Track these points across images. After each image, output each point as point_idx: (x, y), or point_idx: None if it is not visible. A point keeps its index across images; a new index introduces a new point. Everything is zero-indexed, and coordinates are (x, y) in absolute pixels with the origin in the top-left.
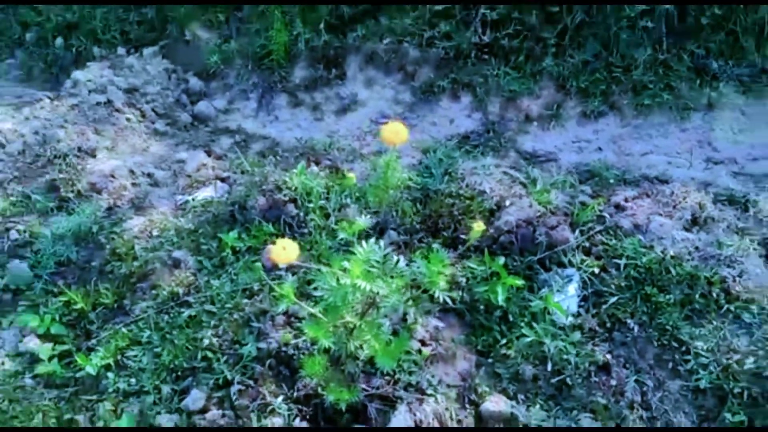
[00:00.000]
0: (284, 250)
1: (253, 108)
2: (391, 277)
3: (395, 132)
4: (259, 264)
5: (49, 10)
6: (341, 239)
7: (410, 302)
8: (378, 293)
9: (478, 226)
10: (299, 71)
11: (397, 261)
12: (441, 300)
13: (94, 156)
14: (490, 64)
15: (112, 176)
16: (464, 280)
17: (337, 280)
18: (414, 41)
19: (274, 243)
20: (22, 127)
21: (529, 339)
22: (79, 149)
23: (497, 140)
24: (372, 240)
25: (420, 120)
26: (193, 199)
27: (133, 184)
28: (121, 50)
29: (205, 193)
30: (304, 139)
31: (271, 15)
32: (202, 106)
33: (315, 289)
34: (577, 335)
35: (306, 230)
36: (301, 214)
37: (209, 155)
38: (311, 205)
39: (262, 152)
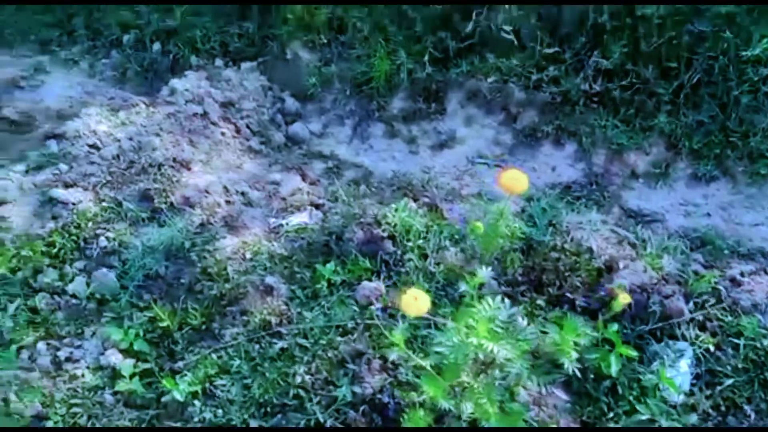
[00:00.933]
0: (415, 301)
1: (347, 134)
2: (517, 340)
3: (515, 179)
4: (353, 300)
5: (151, 13)
6: (440, 283)
7: (532, 368)
8: (500, 355)
9: (624, 297)
10: (398, 102)
11: (526, 325)
12: (570, 371)
13: (188, 168)
14: (598, 113)
15: (207, 191)
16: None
17: (460, 336)
18: (520, 82)
19: (369, 279)
20: (118, 131)
21: (642, 417)
22: (174, 160)
23: (600, 194)
24: (498, 298)
25: (520, 164)
26: (287, 224)
27: (227, 202)
28: (218, 62)
29: (299, 219)
30: (401, 172)
31: (375, 42)
32: (297, 128)
33: (429, 341)
34: (692, 417)
35: (403, 270)
36: (399, 252)
37: (304, 180)
38: (410, 243)
39: (355, 181)
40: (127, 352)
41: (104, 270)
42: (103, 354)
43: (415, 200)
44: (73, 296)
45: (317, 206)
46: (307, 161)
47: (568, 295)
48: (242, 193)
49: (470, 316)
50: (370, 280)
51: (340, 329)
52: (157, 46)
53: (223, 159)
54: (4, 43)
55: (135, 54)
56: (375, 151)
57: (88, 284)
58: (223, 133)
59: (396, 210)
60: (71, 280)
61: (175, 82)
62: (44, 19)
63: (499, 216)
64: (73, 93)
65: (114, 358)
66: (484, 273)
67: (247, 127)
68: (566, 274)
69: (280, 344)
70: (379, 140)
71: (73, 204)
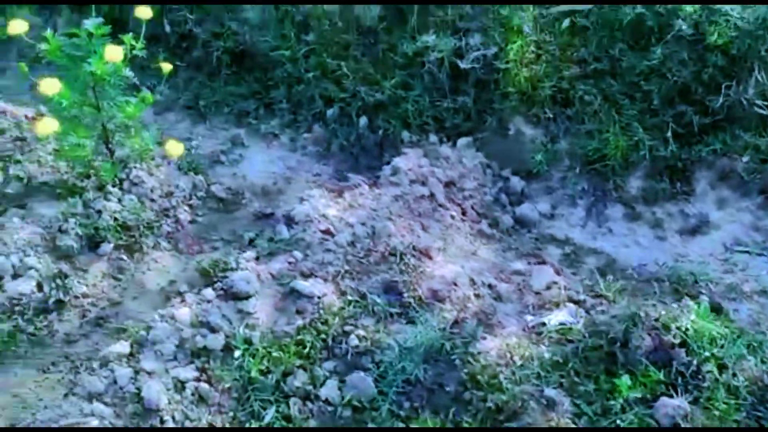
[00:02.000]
0: None
1: (581, 216)
2: None
3: None
4: (652, 419)
5: (357, 87)
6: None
7: None
8: None
9: None
10: (636, 181)
11: None
12: None
13: (429, 257)
14: None
15: (455, 284)
16: None
17: None
18: None
19: (665, 395)
20: (348, 215)
21: None
22: (414, 248)
23: None
24: None
25: None
26: (547, 323)
27: (476, 296)
28: (433, 138)
29: (558, 317)
30: (659, 261)
31: (606, 116)
32: (526, 209)
33: None
34: None
35: (703, 384)
36: (694, 361)
37: (558, 273)
38: (706, 353)
39: (600, 269)
40: None
41: (360, 374)
42: None
43: (692, 297)
44: (327, 402)
45: (576, 302)
46: (540, 246)
47: None
48: (489, 286)
49: None
50: (666, 395)
51: None
52: (364, 120)
53: (457, 245)
54: (199, 116)
55: (340, 128)
56: (615, 236)
57: (340, 389)
58: (452, 216)
59: (682, 311)
60: (322, 384)
61: (399, 162)
62: (239, 90)
63: None
64: (275, 168)
65: None
66: None
67: (472, 208)
68: None
69: None
70: (618, 223)
71: (318, 297)
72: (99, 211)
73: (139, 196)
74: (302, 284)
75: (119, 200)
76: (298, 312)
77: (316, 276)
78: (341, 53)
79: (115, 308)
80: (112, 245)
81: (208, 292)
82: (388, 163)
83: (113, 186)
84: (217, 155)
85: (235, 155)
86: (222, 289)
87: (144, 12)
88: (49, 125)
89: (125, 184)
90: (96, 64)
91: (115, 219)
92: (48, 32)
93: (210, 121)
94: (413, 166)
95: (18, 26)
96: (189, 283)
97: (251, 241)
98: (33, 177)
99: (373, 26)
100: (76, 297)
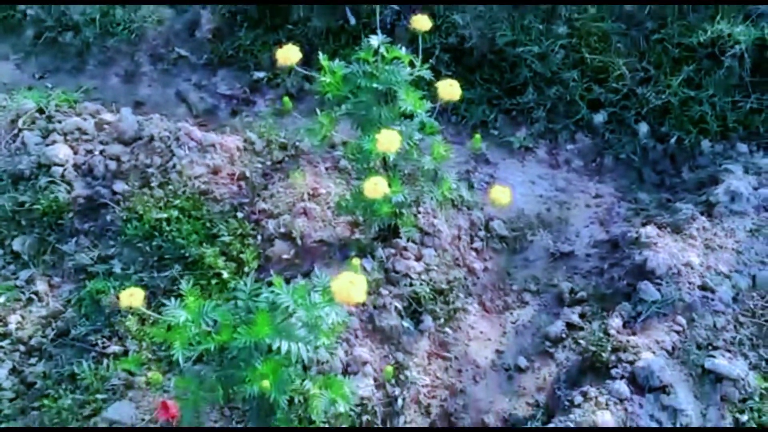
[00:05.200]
0: None
1: None
2: None
3: None
4: None
5: (630, 86)
6: None
7: None
8: None
9: None
10: None
11: None
12: None
13: None
14: None
15: None
16: None
17: None
18: None
19: None
20: (713, 261)
21: None
22: None
23: None
24: None
25: None
26: None
27: None
28: (741, 147)
29: None
30: None
31: None
32: None
33: None
34: None
35: None
36: None
37: None
38: None
39: None
40: None
41: None
42: None
43: None
44: None
45: None
46: None
47: None
48: None
49: None
50: None
51: None
52: (644, 126)
53: None
54: None
55: (612, 137)
56: None
57: None
58: None
59: None
60: None
61: (734, 183)
62: (468, 95)
63: None
64: (539, 190)
65: None
66: None
67: None
68: None
69: None
70: None
71: (742, 379)
72: (405, 274)
73: (435, 248)
74: (719, 363)
75: (418, 257)
76: (723, 399)
77: (715, 347)
78: (600, 46)
79: (459, 398)
80: (430, 317)
81: (615, 386)
82: (703, 183)
83: (407, 240)
84: (465, 176)
85: (484, 175)
86: (622, 376)
87: (424, 22)
88: (380, 187)
89: (415, 235)
90: (408, 100)
91: (426, 282)
92: (322, 58)
93: (442, 134)
94: (748, 188)
95: (290, 55)
96: (522, 354)
97: (572, 293)
98: (306, 235)
99: (636, 12)
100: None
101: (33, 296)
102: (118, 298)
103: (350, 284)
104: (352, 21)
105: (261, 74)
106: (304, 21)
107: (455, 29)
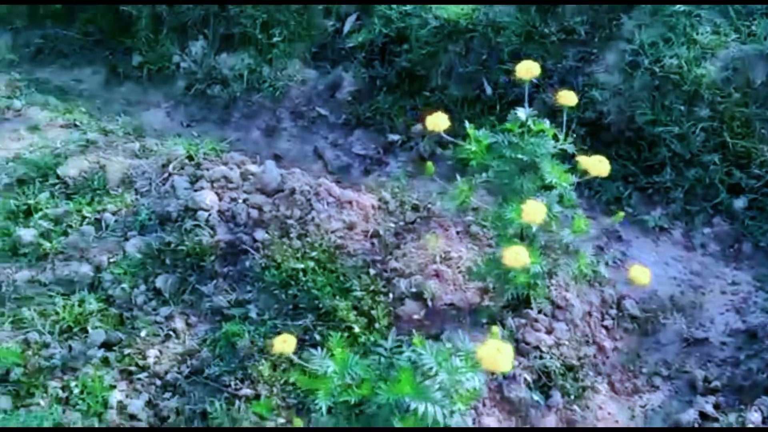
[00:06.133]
0: None
1: None
2: None
3: None
4: None
5: None
6: None
7: None
8: None
9: None
10: None
11: None
12: None
13: None
14: None
15: None
16: None
17: None
18: None
19: None
20: None
21: None
22: None
23: None
24: None
25: None
26: None
27: None
28: None
29: None
30: None
31: None
32: None
33: None
34: None
35: None
36: None
37: None
38: None
39: None
40: None
41: None
42: None
43: None
44: None
45: None
46: None
47: None
48: None
49: None
50: None
51: None
52: None
53: None
54: None
55: (752, 223)
56: None
57: None
58: None
59: None
60: None
61: None
62: None
63: None
64: (673, 272)
65: None
66: None
67: None
68: None
69: None
70: None
71: None
72: (536, 347)
73: (567, 322)
74: None
75: (549, 330)
76: None
77: None
78: (743, 131)
79: None
80: (559, 392)
81: None
82: None
83: (538, 311)
84: (598, 252)
85: (617, 252)
86: None
87: (570, 98)
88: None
89: (546, 307)
90: (553, 173)
91: (556, 356)
92: (468, 127)
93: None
94: None
95: (439, 122)
96: None
97: (706, 381)
98: (437, 297)
99: None
100: None
101: (171, 333)
102: (271, 344)
103: (497, 352)
104: (489, 91)
105: (395, 137)
106: (441, 89)
107: (593, 104)
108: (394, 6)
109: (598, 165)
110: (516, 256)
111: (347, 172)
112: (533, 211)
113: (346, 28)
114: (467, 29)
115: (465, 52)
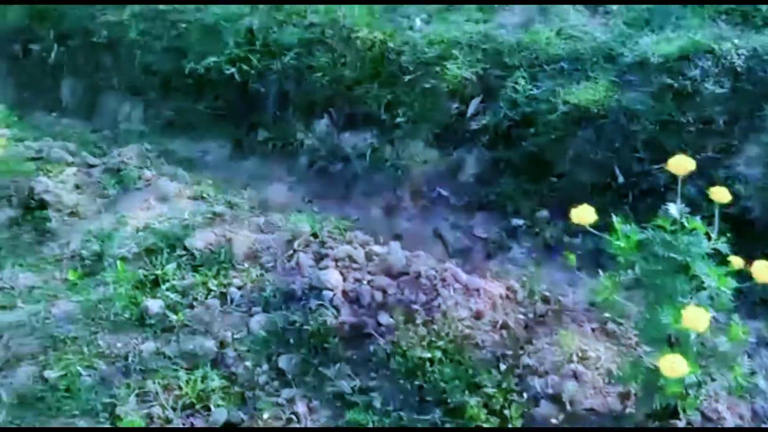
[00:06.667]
0: None
1: None
2: None
3: None
4: None
5: None
6: None
7: None
8: None
9: None
10: None
11: None
12: None
13: None
14: None
15: None
16: None
17: None
18: None
19: None
20: None
21: None
22: None
23: None
24: None
25: None
26: None
27: None
28: None
29: None
30: None
31: None
32: None
33: None
34: None
35: None
36: None
37: None
38: None
39: None
40: None
41: None
42: None
43: None
44: None
45: None
46: None
47: None
48: None
49: None
50: None
51: None
52: None
53: None
54: None
55: None
56: None
57: None
58: None
59: None
60: None
61: None
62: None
63: None
64: None
65: None
66: None
67: None
68: None
69: None
70: None
71: None
72: None
73: None
74: None
75: None
76: None
77: None
78: None
79: None
80: None
81: None
82: None
83: (687, 423)
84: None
85: (765, 358)
86: None
87: (723, 194)
88: (678, 366)
89: (696, 419)
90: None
91: None
92: (616, 221)
93: None
94: None
95: (586, 215)
96: None
97: None
98: (576, 401)
99: None
100: None
101: (292, 416)
102: None
103: None
104: (620, 179)
105: (519, 221)
106: (568, 174)
107: (738, 199)
108: (520, 90)
109: (765, 271)
110: (672, 365)
111: (468, 255)
112: (695, 318)
113: (470, 110)
114: (598, 115)
115: (595, 138)
